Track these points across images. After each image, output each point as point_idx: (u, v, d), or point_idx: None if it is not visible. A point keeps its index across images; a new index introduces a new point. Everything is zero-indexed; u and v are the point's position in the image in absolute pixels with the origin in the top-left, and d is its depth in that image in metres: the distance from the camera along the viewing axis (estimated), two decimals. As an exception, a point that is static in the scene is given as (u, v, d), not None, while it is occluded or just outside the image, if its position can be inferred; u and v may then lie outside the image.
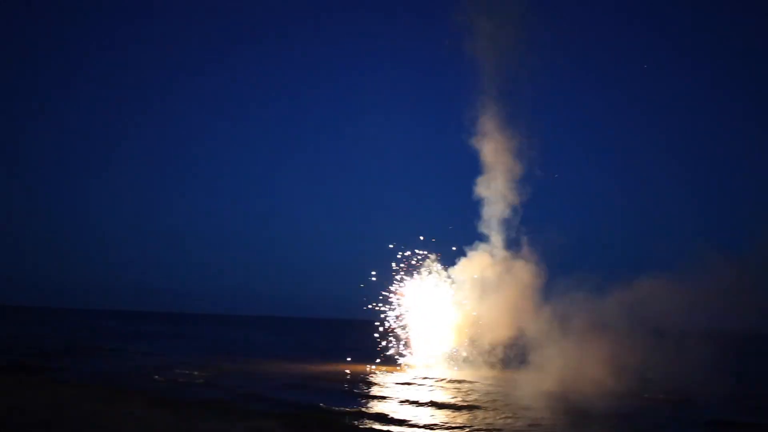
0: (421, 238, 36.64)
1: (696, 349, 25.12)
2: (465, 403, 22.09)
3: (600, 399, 22.08)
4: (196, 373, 29.54)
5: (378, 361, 36.18)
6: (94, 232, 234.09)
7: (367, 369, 33.82)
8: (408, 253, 36.92)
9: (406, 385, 27.80)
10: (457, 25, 34.66)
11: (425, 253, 36.98)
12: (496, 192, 34.70)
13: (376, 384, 28.11)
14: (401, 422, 18.12)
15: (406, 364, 36.07)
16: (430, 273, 37.02)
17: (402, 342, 36.78)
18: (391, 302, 36.52)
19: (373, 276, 36.67)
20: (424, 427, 17.60)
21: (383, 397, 23.59)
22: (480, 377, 31.07)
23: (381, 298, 36.68)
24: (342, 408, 20.03)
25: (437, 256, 37.04)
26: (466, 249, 35.99)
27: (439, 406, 21.57)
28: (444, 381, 29.62)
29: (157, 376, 27.51)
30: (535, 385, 24.16)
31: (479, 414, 19.91)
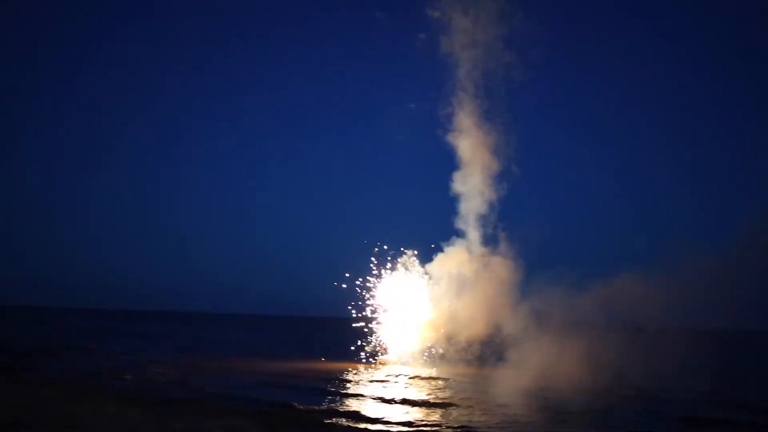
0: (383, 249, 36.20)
1: (673, 346, 25.30)
2: (438, 401, 22.28)
3: (576, 395, 22.36)
4: (168, 371, 29.45)
5: (354, 358, 35.91)
6: (78, 231, 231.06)
7: (343, 366, 33.65)
8: (385, 247, 36.65)
9: (381, 383, 27.93)
10: (433, 20, 34.48)
11: (402, 249, 36.68)
12: (472, 188, 34.83)
13: (350, 381, 28.30)
14: (373, 420, 18.21)
15: (381, 362, 35.89)
16: (406, 269, 36.79)
17: (378, 339, 36.57)
18: (368, 300, 36.25)
19: (347, 275, 36.29)
20: (396, 424, 17.75)
21: (357, 395, 23.70)
22: (456, 374, 31.30)
23: (357, 295, 36.40)
24: (313, 406, 20.09)
25: (414, 252, 36.80)
26: (443, 245, 35.80)
27: (413, 403, 21.72)
28: (419, 378, 29.84)
29: (128, 376, 27.35)
30: (512, 382, 24.32)
31: (452, 411, 20.05)
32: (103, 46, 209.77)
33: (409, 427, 17.43)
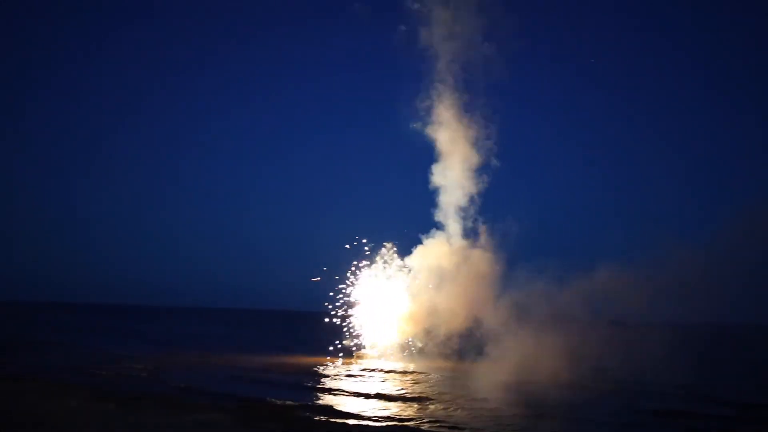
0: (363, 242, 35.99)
1: (654, 341, 25.28)
2: (415, 395, 22.48)
3: (554, 390, 22.68)
4: (143, 366, 29.45)
5: (331, 352, 35.56)
6: (53, 225, 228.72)
7: (320, 361, 33.36)
8: (364, 241, 36.33)
9: (358, 377, 28.19)
10: (413, 12, 34.28)
11: (383, 244, 36.38)
12: (452, 180, 34.84)
13: (326, 376, 28.50)
14: (349, 415, 18.39)
15: (359, 356, 35.55)
16: (385, 263, 36.41)
17: (355, 333, 36.20)
18: (346, 293, 35.87)
19: (325, 269, 36.01)
20: (371, 419, 17.94)
21: (331, 390, 23.96)
22: (434, 368, 31.48)
23: (335, 289, 36.07)
24: (289, 401, 20.17)
25: (393, 245, 36.45)
26: (422, 237, 35.52)
27: (388, 398, 21.90)
28: (396, 372, 30.14)
29: (102, 371, 27.37)
30: (491, 376, 24.42)
31: (428, 406, 20.31)
32: (103, 45, 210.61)
33: (384, 421, 17.57)
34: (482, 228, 35.21)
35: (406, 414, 18.79)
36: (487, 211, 36.11)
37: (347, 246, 37.08)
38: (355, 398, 21.90)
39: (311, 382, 25.89)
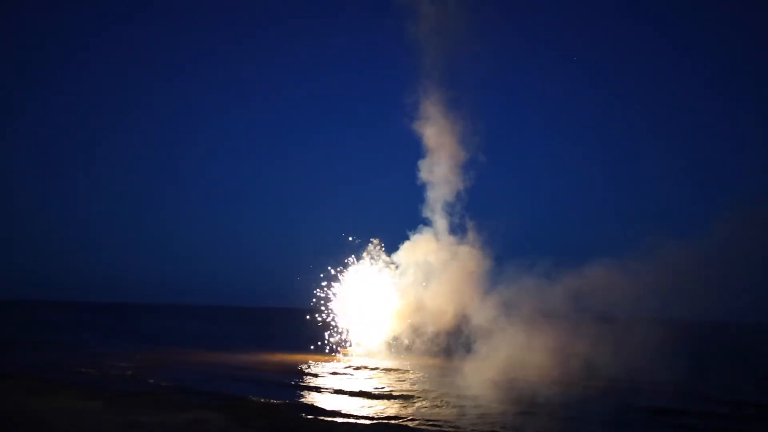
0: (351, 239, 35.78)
1: (644, 338, 25.25)
2: (400, 393, 22.80)
3: (542, 387, 22.83)
4: (129, 364, 29.72)
5: (317, 349, 35.23)
6: (42, 222, 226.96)
7: (306, 358, 33.03)
8: (350, 239, 36.12)
9: (343, 375, 28.50)
10: (400, 6, 34.15)
11: (370, 240, 36.16)
12: (439, 176, 34.71)
13: (311, 374, 28.74)
14: (333, 413, 18.63)
15: (345, 353, 35.26)
16: (372, 259, 36.08)
17: (342, 330, 35.90)
18: (332, 290, 35.55)
19: (311, 266, 35.84)
20: (355, 417, 18.18)
21: (318, 387, 24.21)
22: (421, 366, 31.80)
23: (321, 286, 35.77)
24: (277, 400, 20.44)
25: (380, 241, 36.19)
26: (409, 233, 35.30)
27: (374, 396, 22.23)
28: (382, 370, 30.43)
29: (89, 369, 27.62)
30: (479, 373, 24.17)
31: (413, 403, 20.61)
32: (103, 45, 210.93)
33: (371, 420, 17.84)
34: (470, 224, 35.05)
35: (392, 412, 19.00)
36: (475, 207, 36.26)
37: (333, 243, 36.80)
38: (342, 396, 22.14)
39: (298, 380, 26.06)
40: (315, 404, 20.12)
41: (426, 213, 36.03)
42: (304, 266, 37.66)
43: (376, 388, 23.96)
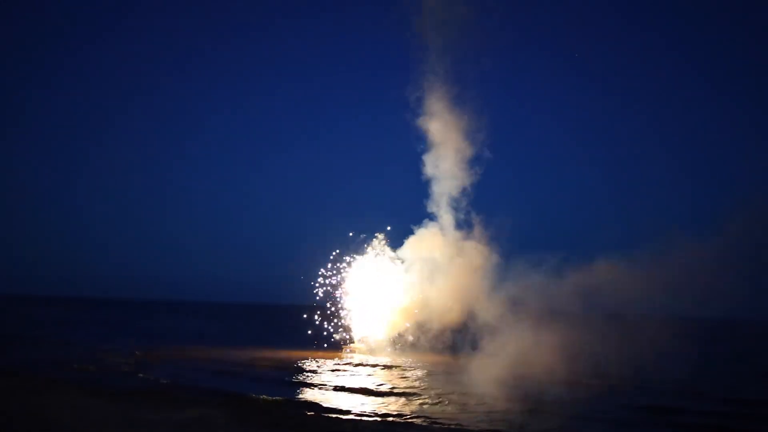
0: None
1: (653, 335, 25.07)
2: (402, 390, 23.01)
3: (549, 385, 23.08)
4: (129, 361, 30.01)
5: (319, 345, 35.18)
6: (42, 217, 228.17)
7: (308, 355, 32.90)
8: (350, 234, 36.04)
9: (346, 372, 28.60)
10: (404, 2, 34.08)
11: (375, 235, 36.08)
12: (445, 171, 34.50)
13: (314, 371, 28.81)
14: (338, 410, 18.73)
15: (348, 349, 35.10)
16: (377, 254, 35.96)
17: (346, 326, 35.80)
18: (336, 286, 35.46)
19: (316, 263, 35.86)
20: (359, 415, 18.24)
21: (318, 384, 24.39)
22: (425, 363, 31.96)
23: (327, 282, 35.68)
24: (276, 397, 20.45)
25: (385, 236, 36.04)
26: (414, 228, 35.19)
27: (375, 393, 22.44)
28: (386, 367, 30.55)
29: (87, 366, 27.70)
30: (484, 371, 24.08)
31: (414, 401, 20.77)
32: (103, 43, 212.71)
33: (375, 417, 17.98)
34: (476, 219, 34.93)
35: (396, 409, 19.18)
36: (481, 203, 36.23)
37: (338, 239, 36.76)
38: (344, 393, 22.32)
39: (300, 377, 26.22)
40: (318, 401, 20.30)
41: (431, 208, 36.07)
42: (308, 262, 37.66)
43: (380, 385, 24.14)
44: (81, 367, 27.23)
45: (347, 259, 37.26)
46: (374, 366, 30.61)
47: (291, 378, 25.98)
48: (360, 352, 35.93)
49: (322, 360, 32.61)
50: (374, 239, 37.15)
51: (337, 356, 34.59)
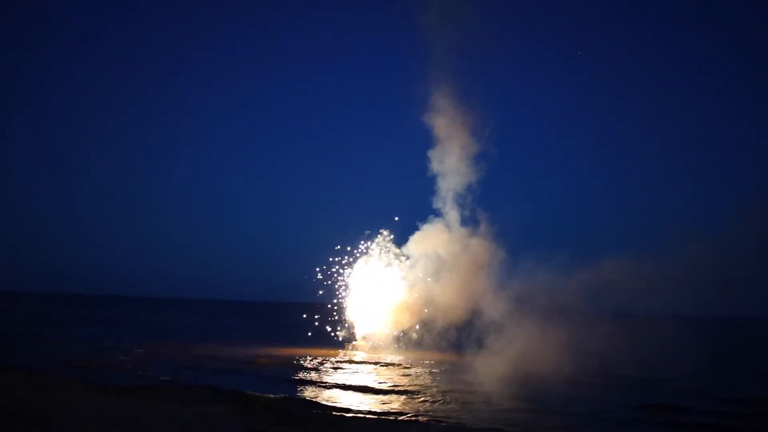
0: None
1: (660, 334, 24.98)
2: (405, 388, 23.07)
3: (554, 384, 22.98)
4: (131, 358, 30.21)
5: (322, 343, 35.15)
6: (47, 214, 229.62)
7: (310, 352, 32.93)
8: (357, 231, 36.04)
9: (348, 369, 28.77)
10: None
11: (379, 231, 36.03)
12: (450, 167, 34.22)
13: (316, 368, 28.94)
14: (341, 409, 18.75)
15: (352, 347, 35.04)
16: (381, 251, 35.86)
17: (349, 324, 35.73)
18: (340, 283, 35.43)
19: (319, 259, 35.93)
20: (363, 413, 18.28)
21: (321, 382, 24.52)
22: (430, 361, 32.08)
23: (330, 280, 35.69)
24: (280, 395, 20.57)
25: (389, 232, 35.96)
26: (419, 225, 35.13)
27: (376, 391, 22.56)
28: (390, 365, 30.65)
29: (90, 363, 27.90)
30: (489, 370, 23.85)
31: (418, 399, 20.83)
32: (106, 43, 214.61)
33: (379, 415, 18.00)
34: (482, 216, 34.84)
35: (399, 407, 19.30)
36: (487, 199, 36.19)
37: (342, 236, 36.74)
38: (348, 391, 22.43)
39: (303, 375, 26.35)
40: (321, 399, 20.49)
41: (437, 204, 35.97)
42: (311, 260, 37.62)
43: (383, 383, 24.29)
44: (83, 364, 27.44)
45: (351, 256, 37.22)
46: (378, 364, 30.76)
47: (294, 376, 26.15)
48: (363, 350, 35.91)
49: (325, 357, 32.79)
50: (379, 235, 37.10)
51: (340, 354, 34.76)
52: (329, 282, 36.97)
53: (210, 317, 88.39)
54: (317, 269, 36.85)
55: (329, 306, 37.12)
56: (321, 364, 30.20)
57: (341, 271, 37.02)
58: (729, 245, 25.06)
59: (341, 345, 36.82)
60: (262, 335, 51.31)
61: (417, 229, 36.67)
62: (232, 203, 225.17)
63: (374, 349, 36.32)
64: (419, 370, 28.84)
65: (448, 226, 35.76)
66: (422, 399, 20.83)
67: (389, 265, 36.69)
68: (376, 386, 23.53)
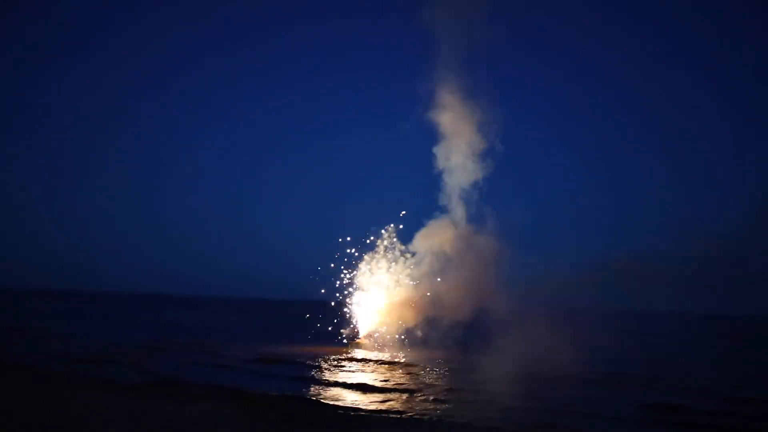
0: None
1: (670, 333, 24.81)
2: (407, 387, 23.13)
3: (557, 383, 23.31)
4: (132, 355, 30.40)
5: (326, 341, 35.08)
6: (47, 211, 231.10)
7: (314, 350, 32.98)
8: (362, 228, 35.93)
9: (352, 367, 28.84)
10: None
11: (384, 227, 35.88)
12: (456, 163, 34.11)
13: (320, 366, 29.02)
14: (345, 407, 18.83)
15: (355, 345, 34.92)
16: (386, 248, 35.70)
17: (354, 322, 35.59)
18: (344, 281, 35.33)
19: (324, 257, 35.90)
20: (367, 411, 18.36)
21: (324, 380, 24.68)
22: (434, 359, 32.11)
23: (335, 276, 35.62)
24: (284, 392, 20.68)
25: (394, 228, 35.80)
26: (425, 221, 34.98)
27: (380, 389, 22.61)
28: (393, 363, 30.73)
29: (94, 359, 28.14)
30: (494, 368, 23.69)
31: (420, 397, 20.92)
32: (107, 42, 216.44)
33: (383, 413, 18.05)
34: (489, 213, 34.68)
35: (404, 406, 19.38)
36: (494, 197, 36.06)
37: (347, 233, 36.61)
38: (352, 389, 22.58)
39: (307, 373, 26.46)
40: (324, 397, 20.69)
41: (443, 200, 35.82)
42: (315, 257, 37.68)
43: (387, 382, 24.40)
44: (85, 360, 27.60)
45: (356, 253, 37.11)
46: (382, 362, 30.91)
47: (297, 373, 26.32)
48: (367, 348, 35.84)
49: (329, 355, 32.98)
50: (384, 232, 36.93)
51: (345, 352, 34.95)
52: (333, 279, 36.93)
53: (212, 314, 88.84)
54: (320, 267, 36.80)
55: (333, 304, 37.02)
56: (324, 362, 30.34)
57: (346, 268, 36.95)
58: (742, 243, 24.90)
59: (345, 343, 36.83)
60: (265, 333, 51.62)
61: (422, 226, 36.56)
62: (236, 200, 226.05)
63: (378, 347, 36.40)
64: (424, 368, 28.90)
65: (454, 222, 35.68)
66: (427, 397, 20.96)
67: (394, 261, 36.56)
68: (380, 384, 23.67)
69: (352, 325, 37.29)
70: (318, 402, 19.60)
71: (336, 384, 23.79)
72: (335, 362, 30.44)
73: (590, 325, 25.98)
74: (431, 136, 36.11)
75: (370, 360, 31.47)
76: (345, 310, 37.11)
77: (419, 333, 36.13)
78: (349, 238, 37.12)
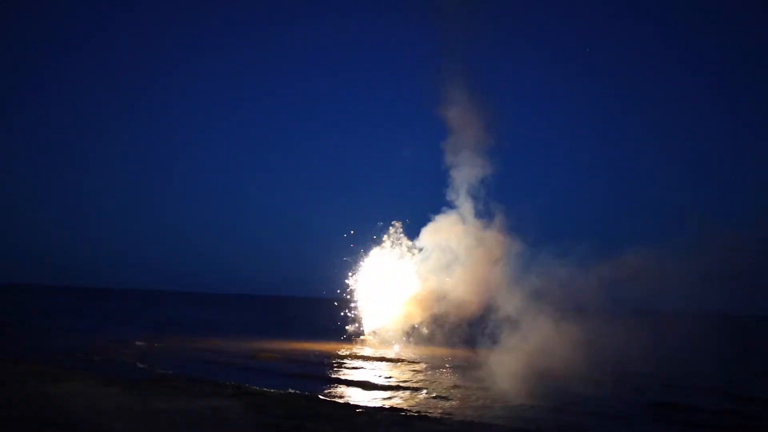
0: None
1: (681, 332, 24.67)
2: (413, 384, 23.26)
3: (566, 381, 23.17)
4: (135, 351, 30.64)
5: (331, 337, 35.07)
6: (45, 206, 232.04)
7: (319, 347, 32.88)
8: (352, 232, 35.96)
9: (356, 364, 28.97)
10: None
11: (391, 223, 35.90)
12: (465, 157, 33.89)
13: (324, 363, 29.15)
14: (351, 405, 18.84)
15: (360, 342, 34.90)
16: (393, 244, 35.65)
17: (359, 318, 35.59)
18: (351, 277, 35.32)
19: (330, 254, 35.95)
20: (374, 409, 18.36)
21: (328, 377, 24.78)
22: (440, 356, 32.29)
23: (342, 273, 35.66)
24: (289, 390, 20.64)
25: (401, 224, 35.75)
26: (432, 216, 34.92)
27: (385, 386, 22.69)
28: (399, 360, 30.85)
29: (97, 355, 28.23)
30: (501, 366, 23.64)
31: (426, 395, 21.04)
32: (110, 42, 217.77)
33: (390, 411, 18.03)
34: (497, 208, 34.57)
35: (410, 403, 19.48)
36: (502, 192, 35.93)
37: (353, 228, 36.62)
38: (356, 386, 22.76)
39: (311, 369, 26.59)
40: (329, 393, 20.84)
41: (450, 196, 35.71)
42: (321, 253, 37.73)
43: (392, 379, 24.52)
44: (88, 356, 27.78)
45: (361, 249, 37.07)
46: (387, 359, 31.04)
47: (302, 370, 26.42)
48: (372, 345, 35.83)
49: (334, 352, 33.12)
50: (391, 227, 36.89)
51: (349, 348, 35.10)
52: (339, 276, 36.91)
53: (215, 311, 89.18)
54: (326, 264, 36.80)
55: (338, 300, 37.03)
56: (329, 358, 30.47)
57: (351, 264, 36.92)
58: (758, 240, 24.63)
59: (350, 339, 36.96)
60: (269, 329, 51.71)
61: (430, 221, 36.46)
62: (238, 197, 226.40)
63: (384, 344, 36.45)
64: (430, 365, 29.00)
65: (461, 217, 35.55)
66: (432, 395, 21.07)
67: (401, 257, 36.51)
68: (385, 382, 23.83)
69: (356, 322, 37.29)
70: (323, 399, 19.70)
71: (341, 381, 23.96)
72: (340, 359, 30.57)
73: (601, 324, 25.81)
74: (432, 134, 36.11)
75: (375, 357, 31.53)
76: (350, 306, 37.10)
77: (425, 330, 36.13)
78: (353, 232, 37.15)
